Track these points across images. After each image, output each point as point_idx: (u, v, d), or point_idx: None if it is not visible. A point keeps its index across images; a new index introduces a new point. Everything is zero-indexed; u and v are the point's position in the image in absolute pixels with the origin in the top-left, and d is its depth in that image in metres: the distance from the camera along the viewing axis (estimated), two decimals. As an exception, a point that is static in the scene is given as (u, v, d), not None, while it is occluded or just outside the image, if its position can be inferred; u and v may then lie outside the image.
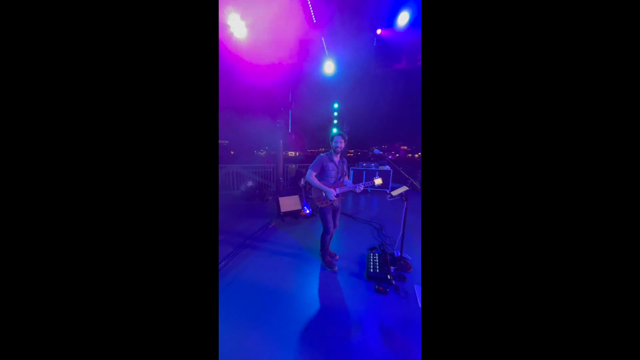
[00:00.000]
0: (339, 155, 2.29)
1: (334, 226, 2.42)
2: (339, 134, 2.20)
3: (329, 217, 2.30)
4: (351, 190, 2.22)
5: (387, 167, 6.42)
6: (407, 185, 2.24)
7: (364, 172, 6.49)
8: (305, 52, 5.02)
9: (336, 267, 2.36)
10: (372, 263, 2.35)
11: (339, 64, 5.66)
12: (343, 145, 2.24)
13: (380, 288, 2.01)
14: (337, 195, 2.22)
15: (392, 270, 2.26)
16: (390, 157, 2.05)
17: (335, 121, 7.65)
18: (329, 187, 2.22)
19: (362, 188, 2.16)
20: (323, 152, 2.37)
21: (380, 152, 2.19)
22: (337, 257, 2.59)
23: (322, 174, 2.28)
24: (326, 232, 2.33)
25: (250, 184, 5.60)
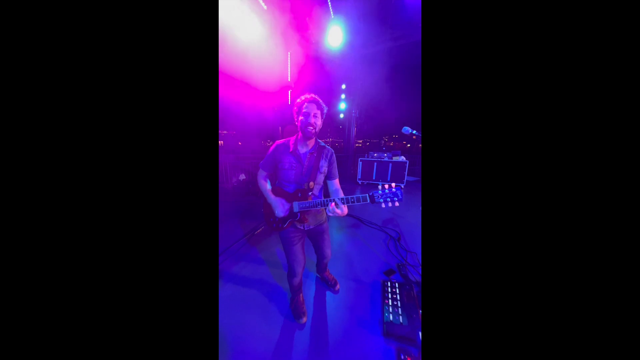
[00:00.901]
0: (312, 141, 1.26)
1: (325, 256, 1.55)
2: (311, 99, 1.17)
3: (297, 249, 1.33)
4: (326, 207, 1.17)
5: (402, 158, 5.48)
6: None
7: (375, 163, 5.58)
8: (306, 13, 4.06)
9: (304, 319, 1.45)
10: (390, 302, 1.55)
11: (346, 33, 4.67)
12: (319, 121, 1.19)
13: (408, 359, 1.20)
14: (294, 214, 1.25)
15: (423, 319, 1.44)
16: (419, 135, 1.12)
17: (342, 105, 6.72)
18: (281, 197, 1.27)
19: (345, 211, 1.11)
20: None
21: (413, 131, 1.25)
22: (338, 286, 1.79)
23: (278, 175, 1.32)
24: (291, 273, 1.40)
25: (242, 177, 4.83)
